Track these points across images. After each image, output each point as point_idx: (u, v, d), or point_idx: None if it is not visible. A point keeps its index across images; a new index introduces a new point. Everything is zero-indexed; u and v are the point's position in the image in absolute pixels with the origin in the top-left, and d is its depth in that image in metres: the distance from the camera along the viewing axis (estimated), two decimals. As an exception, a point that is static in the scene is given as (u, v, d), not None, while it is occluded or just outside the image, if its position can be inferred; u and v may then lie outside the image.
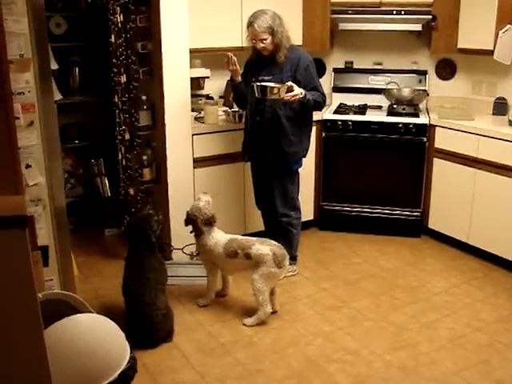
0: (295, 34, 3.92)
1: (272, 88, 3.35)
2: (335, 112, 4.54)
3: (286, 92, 3.35)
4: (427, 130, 4.27)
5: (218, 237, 3.34)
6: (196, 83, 4.25)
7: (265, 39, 3.41)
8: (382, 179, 4.43)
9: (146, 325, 2.94)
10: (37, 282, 1.39)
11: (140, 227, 3.13)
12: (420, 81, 4.73)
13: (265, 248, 3.19)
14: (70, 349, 1.91)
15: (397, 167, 4.41)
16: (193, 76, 3.99)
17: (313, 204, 4.58)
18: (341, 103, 4.82)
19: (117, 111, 3.83)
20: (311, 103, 3.50)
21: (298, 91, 3.38)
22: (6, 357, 1.37)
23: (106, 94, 4.10)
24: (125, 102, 3.81)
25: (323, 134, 4.42)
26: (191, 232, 3.41)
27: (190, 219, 3.35)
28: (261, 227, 4.05)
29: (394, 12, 4.30)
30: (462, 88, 4.70)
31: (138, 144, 3.92)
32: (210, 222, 3.34)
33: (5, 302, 1.33)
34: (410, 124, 4.28)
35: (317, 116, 4.14)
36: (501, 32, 3.96)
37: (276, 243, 3.28)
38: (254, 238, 3.33)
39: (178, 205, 3.79)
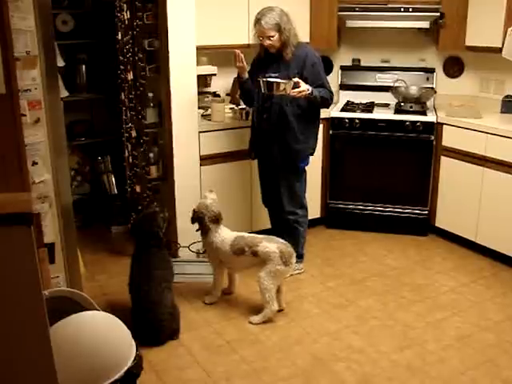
0: (302, 31, 3.91)
1: (278, 84, 3.33)
2: (342, 110, 4.52)
3: (293, 88, 3.34)
4: (435, 128, 4.25)
5: (225, 234, 3.34)
6: (203, 80, 4.25)
7: (272, 36, 3.40)
8: (389, 177, 4.42)
9: (152, 322, 2.94)
10: (43, 279, 1.39)
11: (146, 224, 3.13)
12: (427, 78, 4.71)
13: (272, 246, 3.19)
14: (76, 346, 1.91)
15: (404, 165, 4.39)
16: (200, 73, 3.99)
17: (320, 202, 4.57)
18: (348, 101, 4.80)
19: (123, 108, 3.84)
20: (318, 100, 3.48)
21: (305, 87, 3.37)
22: (12, 354, 1.37)
23: (113, 92, 4.10)
24: (131, 100, 3.81)
25: (330, 132, 4.41)
26: (198, 230, 3.41)
27: (197, 217, 3.35)
28: (267, 225, 4.05)
29: (402, 9, 4.28)
30: (469, 86, 4.67)
31: (145, 141, 3.92)
32: (217, 219, 3.34)
33: (10, 299, 1.33)
34: (417, 122, 4.26)
35: (324, 113, 4.12)
36: (509, 29, 3.92)
37: (283, 241, 3.26)
38: (260, 236, 3.33)
39: (185, 202, 3.79)
